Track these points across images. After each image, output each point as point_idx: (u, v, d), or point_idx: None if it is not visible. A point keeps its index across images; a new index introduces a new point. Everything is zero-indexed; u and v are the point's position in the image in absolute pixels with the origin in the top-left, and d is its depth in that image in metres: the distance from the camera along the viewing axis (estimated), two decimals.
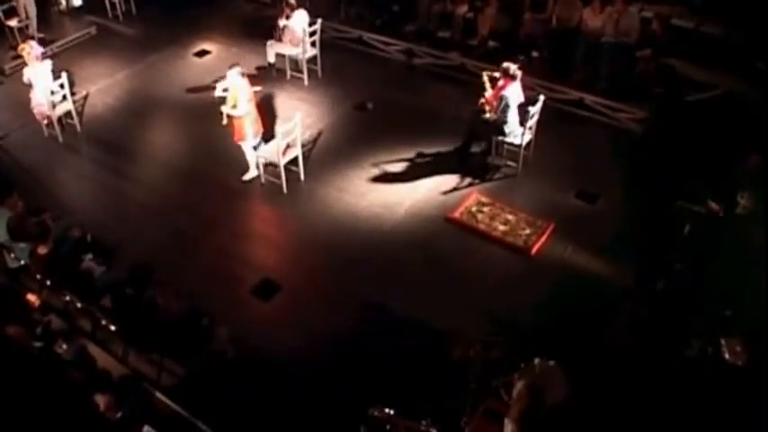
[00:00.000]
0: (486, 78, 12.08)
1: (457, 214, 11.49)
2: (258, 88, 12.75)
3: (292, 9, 14.91)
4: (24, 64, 13.62)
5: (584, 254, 10.67)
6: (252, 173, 12.47)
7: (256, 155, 12.21)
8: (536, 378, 5.94)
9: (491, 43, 15.15)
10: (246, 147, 12.23)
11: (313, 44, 15.15)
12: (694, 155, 11.27)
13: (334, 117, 14.14)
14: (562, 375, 5.99)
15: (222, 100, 12.13)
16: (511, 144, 12.16)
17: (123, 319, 8.88)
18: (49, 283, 9.63)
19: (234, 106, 11.81)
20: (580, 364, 7.30)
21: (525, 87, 12.18)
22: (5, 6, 17.06)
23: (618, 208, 11.55)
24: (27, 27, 17.15)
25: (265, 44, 15.43)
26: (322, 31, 15.24)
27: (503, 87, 11.79)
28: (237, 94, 11.76)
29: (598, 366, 8.65)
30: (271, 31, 15.64)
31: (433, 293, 10.11)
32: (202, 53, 16.80)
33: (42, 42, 15.64)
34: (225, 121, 12.01)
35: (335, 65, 15.67)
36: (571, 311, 9.71)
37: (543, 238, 10.94)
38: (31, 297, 9.32)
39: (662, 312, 9.31)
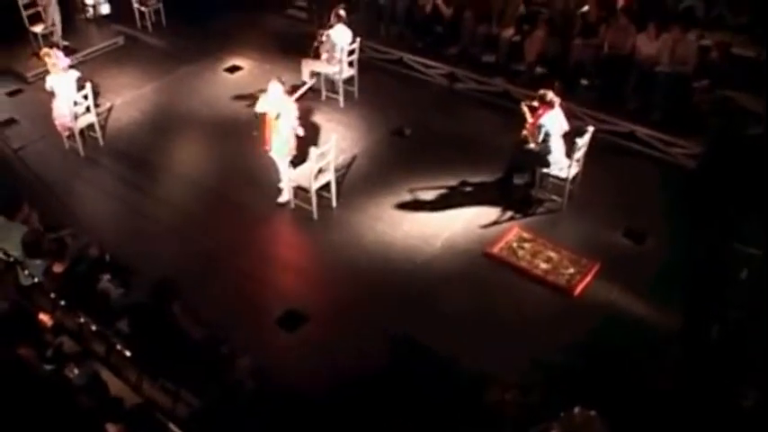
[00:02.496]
0: (524, 108, 12.08)
1: (496, 249, 11.44)
2: (303, 90, 12.75)
3: (339, 20, 14.89)
4: (47, 72, 13.78)
5: (631, 296, 10.57)
6: (286, 194, 12.48)
7: (287, 177, 12.23)
8: (576, 429, 5.87)
9: (538, 69, 15.13)
10: (283, 164, 12.23)
11: (351, 64, 15.22)
12: (752, 193, 11.11)
13: (370, 141, 14.18)
14: (603, 427, 5.92)
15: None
16: (556, 177, 12.12)
17: (140, 342, 8.88)
18: (63, 302, 9.64)
19: (277, 116, 11.85)
20: (623, 412, 7.22)
21: (573, 117, 12.19)
22: (30, 12, 17.28)
23: (668, 249, 11.43)
24: (52, 34, 17.36)
25: (300, 61, 15.51)
26: (361, 50, 15.31)
27: (541, 115, 11.78)
28: (282, 108, 11.83)
29: (642, 416, 8.54)
30: (306, 48, 15.71)
31: (468, 331, 10.04)
32: (234, 69, 16.95)
33: (67, 51, 15.81)
34: (256, 132, 12.05)
35: (373, 86, 15.73)
36: (615, 356, 9.62)
37: (587, 279, 10.85)
38: (44, 317, 9.32)
39: (715, 360, 9.18)
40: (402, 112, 14.95)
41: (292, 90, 12.45)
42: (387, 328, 10.09)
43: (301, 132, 12.18)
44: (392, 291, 10.77)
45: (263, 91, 12.26)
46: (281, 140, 11.98)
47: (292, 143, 12.09)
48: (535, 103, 11.87)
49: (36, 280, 10.01)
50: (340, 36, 14.87)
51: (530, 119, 12.00)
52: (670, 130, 13.48)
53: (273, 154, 12.19)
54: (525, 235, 11.70)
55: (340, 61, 14.86)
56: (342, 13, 14.91)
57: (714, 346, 9.43)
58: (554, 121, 11.74)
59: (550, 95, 11.70)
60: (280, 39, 18.07)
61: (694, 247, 11.25)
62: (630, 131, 13.79)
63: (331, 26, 14.96)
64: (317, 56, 15.27)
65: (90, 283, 9.95)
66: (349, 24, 14.99)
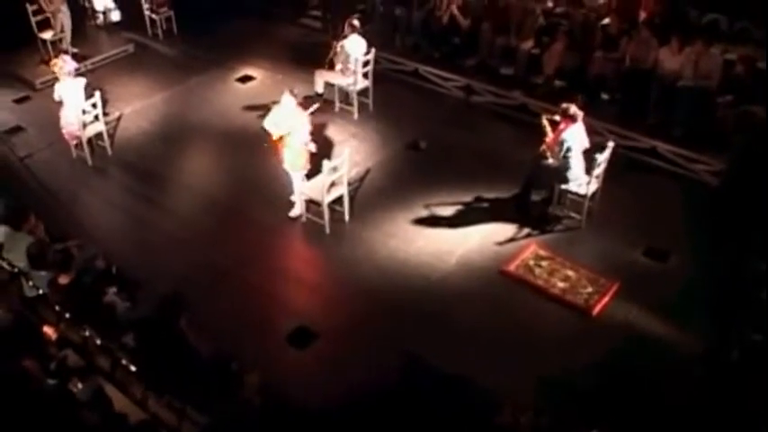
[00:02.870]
0: (545, 122, 12.06)
1: (512, 267, 11.42)
2: (314, 108, 12.77)
3: (353, 30, 14.93)
4: (56, 79, 13.85)
5: (651, 317, 10.52)
6: (298, 208, 12.50)
7: (299, 190, 12.25)
8: None
9: (557, 82, 15.15)
10: (297, 178, 12.26)
11: (365, 75, 15.23)
12: None
13: (385, 155, 14.21)
14: None
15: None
16: (575, 193, 12.09)
17: (146, 357, 8.89)
18: (67, 315, 9.67)
19: (288, 134, 11.90)
20: None
21: (593, 132, 12.15)
22: (39, 18, 17.37)
23: (690, 268, 11.37)
24: (61, 41, 17.49)
25: (314, 72, 15.55)
26: (376, 61, 15.34)
27: (562, 130, 11.77)
28: (292, 120, 11.88)
29: None
30: (320, 59, 15.75)
31: (483, 350, 10.01)
32: (246, 79, 17.02)
33: (76, 58, 15.90)
34: (267, 144, 12.09)
35: (388, 99, 15.75)
36: (633, 378, 9.60)
37: (606, 298, 10.81)
38: (48, 329, 9.35)
39: (736, 382, 9.14)
40: (417, 125, 14.96)
41: (305, 102, 12.44)
42: (399, 345, 10.08)
43: (313, 148, 12.18)
44: (405, 308, 10.75)
45: (276, 102, 12.31)
46: (293, 155, 12.02)
47: (305, 157, 12.11)
48: (557, 117, 11.86)
49: (41, 291, 10.04)
50: (354, 47, 14.91)
51: (550, 133, 11.99)
52: (693, 146, 13.43)
53: (287, 167, 12.21)
54: (542, 253, 11.68)
55: (354, 72, 14.90)
56: (356, 23, 14.96)
57: (736, 368, 9.39)
58: (576, 136, 11.72)
59: (573, 109, 11.69)
60: (293, 48, 18.15)
61: (717, 266, 11.20)
62: (652, 147, 13.76)
63: (345, 36, 15.00)
64: (331, 66, 15.33)
65: (96, 296, 9.97)
66: (364, 35, 15.02)
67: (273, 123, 12.02)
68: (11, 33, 17.11)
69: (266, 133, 12.18)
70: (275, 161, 12.37)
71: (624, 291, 10.94)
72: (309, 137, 12.14)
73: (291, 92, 12.00)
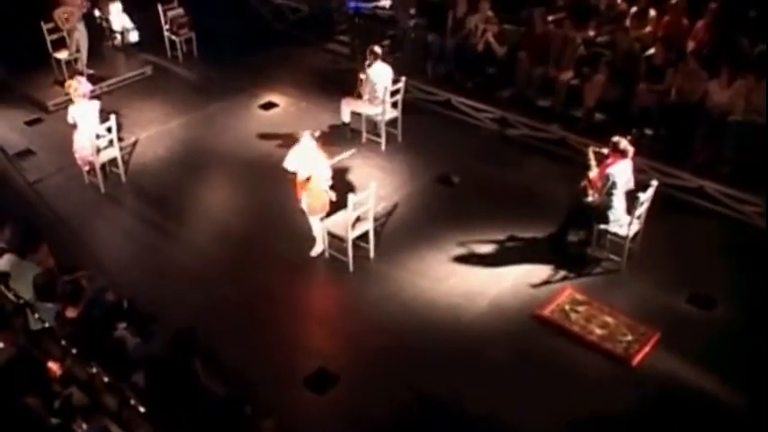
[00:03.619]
0: (591, 155, 12.00)
1: (547, 311, 11.34)
2: (345, 156, 12.77)
3: (376, 58, 14.99)
4: (70, 101, 13.94)
5: (694, 368, 10.39)
6: (319, 247, 12.49)
7: (322, 225, 12.24)
8: None
9: (598, 116, 15.12)
10: (315, 222, 12.29)
11: (394, 105, 15.27)
12: None
13: (413, 189, 14.19)
14: None
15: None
16: (615, 234, 12.00)
17: (156, 397, 8.85)
18: (74, 350, 9.66)
19: (308, 179, 11.92)
20: None
21: (636, 169, 12.05)
22: (54, 37, 17.54)
23: (737, 317, 11.24)
24: (76, 61, 17.64)
25: (340, 101, 15.59)
26: (405, 90, 15.37)
27: (609, 164, 11.70)
28: (311, 164, 11.89)
29: None
30: (347, 86, 15.78)
31: (514, 399, 9.93)
32: (269, 105, 17.11)
33: (91, 79, 16.02)
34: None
35: (418, 130, 15.76)
36: None
37: (647, 348, 10.70)
38: (53, 365, 9.34)
39: None
40: (448, 158, 14.95)
41: (322, 139, 12.39)
42: (424, 391, 10.03)
43: (333, 196, 12.18)
44: (432, 352, 10.69)
45: (299, 132, 12.26)
46: (311, 198, 12.05)
47: (323, 202, 12.11)
48: (605, 151, 11.80)
49: (47, 325, 10.05)
50: (379, 75, 14.96)
51: (594, 167, 11.93)
52: (742, 186, 13.33)
53: (304, 208, 12.23)
54: (579, 297, 11.60)
55: (383, 102, 14.92)
56: (377, 50, 15.01)
57: None
58: (622, 173, 11.65)
59: (624, 143, 11.61)
60: (319, 75, 18.24)
61: (766, 315, 11.06)
62: (698, 186, 13.67)
63: (369, 65, 15.05)
64: (359, 95, 15.36)
65: (105, 331, 9.98)
66: (391, 61, 15.09)
67: (293, 164, 12.04)
68: (25, 52, 17.29)
69: (288, 172, 12.19)
70: (296, 199, 12.37)
71: (666, 340, 10.81)
72: (329, 182, 12.15)
73: (312, 134, 12.01)
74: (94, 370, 9.28)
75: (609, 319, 11.16)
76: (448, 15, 17.14)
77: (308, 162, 11.94)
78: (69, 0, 17.32)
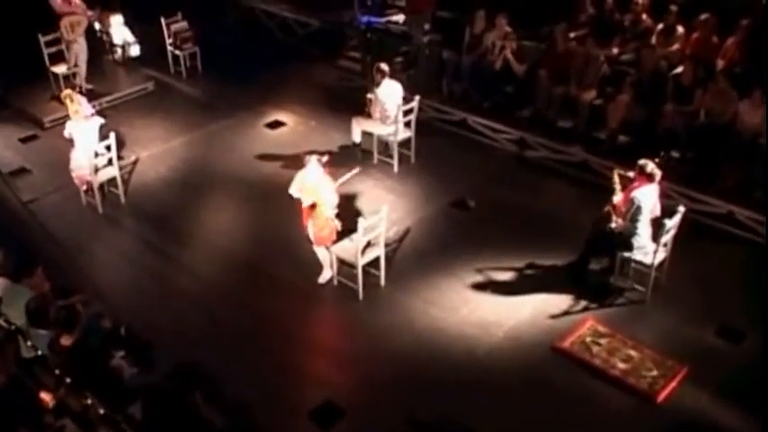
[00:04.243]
0: (616, 178, 11.97)
1: (567, 344, 11.29)
2: (349, 176, 12.74)
3: (383, 76, 14.99)
4: (67, 117, 13.95)
5: (724, 405, 10.32)
6: (327, 274, 12.46)
7: (330, 250, 12.20)
8: None
9: (622, 138, 15.10)
10: (320, 251, 12.28)
11: (407, 124, 15.27)
12: None
13: (427, 213, 14.18)
14: None
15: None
16: (639, 263, 11.95)
17: (154, 428, 8.82)
18: (68, 380, 9.62)
19: (313, 206, 11.90)
20: None
21: (662, 194, 12.01)
22: (52, 50, 17.61)
23: None
24: (74, 76, 17.67)
25: (351, 120, 15.58)
26: (419, 109, 15.38)
27: (635, 188, 11.66)
28: (318, 191, 11.86)
29: None
30: (358, 105, 15.78)
31: None
32: (276, 124, 17.15)
33: (90, 95, 16.06)
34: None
35: (432, 151, 15.79)
36: None
37: (673, 383, 10.62)
38: (45, 396, 9.31)
39: None
40: (464, 181, 14.97)
41: (329, 164, 12.33)
42: (435, 428, 10.01)
43: (339, 227, 12.15)
44: (445, 385, 10.64)
45: (306, 156, 12.20)
46: (316, 227, 12.01)
47: (330, 231, 12.07)
48: (630, 174, 11.76)
49: (39, 353, 10.02)
50: (388, 94, 14.97)
51: (619, 192, 11.90)
52: None
53: (310, 237, 12.21)
54: (601, 329, 11.54)
55: (395, 121, 14.90)
56: (384, 67, 15.02)
57: None
58: (649, 198, 11.61)
59: (651, 167, 11.56)
60: (329, 93, 18.29)
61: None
62: (728, 212, 13.63)
63: (377, 84, 15.05)
64: (369, 114, 15.36)
65: (101, 360, 9.94)
66: (403, 79, 15.11)
67: (299, 190, 12.02)
68: (21, 66, 17.36)
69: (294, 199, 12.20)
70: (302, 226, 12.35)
71: (694, 375, 10.74)
72: (335, 210, 12.11)
73: (319, 159, 11.96)
74: (89, 401, 9.24)
75: (633, 353, 11.09)
76: (464, 31, 17.17)
77: (314, 189, 11.91)
78: (76, 9, 17.36)
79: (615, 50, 16.32)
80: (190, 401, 8.89)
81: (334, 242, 12.13)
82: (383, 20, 18.69)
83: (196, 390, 8.95)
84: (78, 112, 13.70)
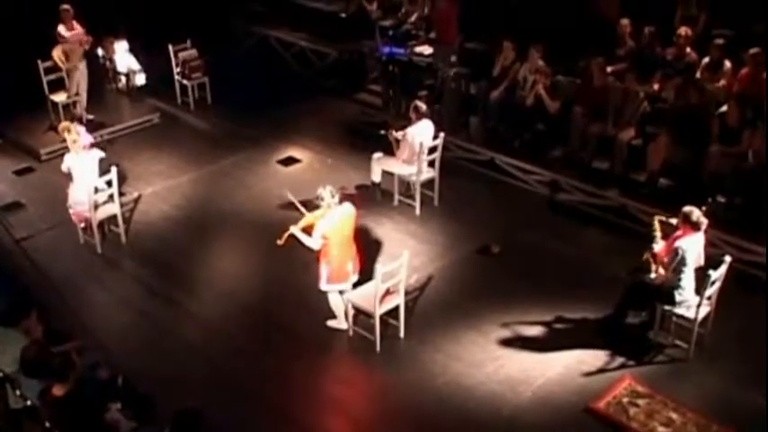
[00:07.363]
0: (657, 225, 11.89)
1: (602, 405, 11.15)
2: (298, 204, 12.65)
3: (419, 117, 14.96)
4: (65, 149, 13.97)
5: None
6: (342, 324, 12.40)
7: (346, 298, 12.13)
8: None
9: (663, 181, 15.07)
10: (332, 296, 12.19)
11: (431, 164, 15.24)
12: None
13: (450, 260, 14.14)
14: None
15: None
16: (682, 317, 11.84)
17: None
18: None
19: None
20: None
21: (706, 243, 11.91)
22: (52, 77, 17.70)
23: None
24: (75, 105, 17.76)
25: (370, 158, 15.56)
26: (444, 148, 15.35)
27: (678, 237, 11.55)
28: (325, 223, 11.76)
29: None
30: (378, 141, 15.75)
31: None
32: (289, 161, 17.21)
33: (91, 126, 16.11)
34: (281, 241, 11.95)
35: (457, 192, 15.83)
36: None
37: None
38: None
39: None
40: (491, 226, 14.94)
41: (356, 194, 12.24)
42: None
43: (352, 271, 12.11)
44: None
45: (323, 193, 12.10)
46: (330, 269, 11.91)
47: (345, 270, 11.99)
48: (673, 221, 11.66)
49: (29, 403, 9.97)
50: (422, 133, 14.93)
51: (659, 240, 11.83)
52: None
53: (322, 280, 12.14)
54: (640, 389, 11.41)
55: (418, 160, 14.84)
56: (422, 106, 15.02)
57: None
58: (693, 248, 11.50)
59: (697, 215, 11.45)
60: (347, 128, 18.36)
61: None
62: None
63: (411, 123, 15.00)
64: (392, 153, 15.29)
65: (96, 412, 9.88)
66: (431, 118, 15.02)
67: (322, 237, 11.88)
68: (18, 93, 17.44)
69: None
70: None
71: None
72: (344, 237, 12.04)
73: (331, 193, 11.86)
74: None
75: (674, 416, 10.95)
76: (493, 64, 17.17)
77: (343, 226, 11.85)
78: (70, 37, 17.47)
79: (656, 86, 16.27)
80: None
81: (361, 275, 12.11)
82: (406, 50, 18.66)
83: None
84: (77, 142, 13.71)
